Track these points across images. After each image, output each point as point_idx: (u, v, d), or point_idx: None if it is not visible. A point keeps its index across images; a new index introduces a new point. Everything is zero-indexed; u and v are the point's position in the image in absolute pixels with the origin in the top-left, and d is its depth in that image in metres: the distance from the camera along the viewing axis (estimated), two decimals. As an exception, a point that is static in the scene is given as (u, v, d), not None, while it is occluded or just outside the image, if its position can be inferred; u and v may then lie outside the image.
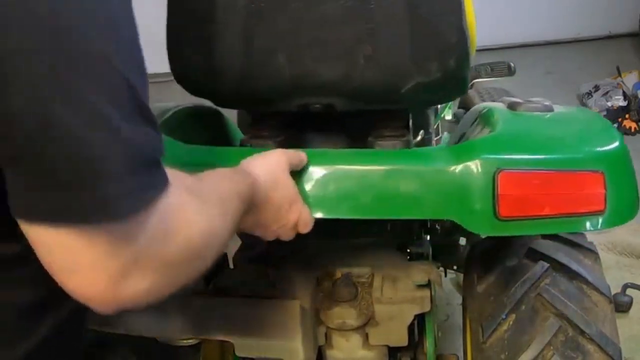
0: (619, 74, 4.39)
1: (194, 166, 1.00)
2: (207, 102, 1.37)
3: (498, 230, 1.03)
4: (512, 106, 1.23)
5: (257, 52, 1.10)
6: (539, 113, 1.21)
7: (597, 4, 5.11)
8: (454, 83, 1.17)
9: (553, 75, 4.77)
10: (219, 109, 1.49)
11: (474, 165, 1.03)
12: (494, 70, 2.09)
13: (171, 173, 0.65)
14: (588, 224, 1.03)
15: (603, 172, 1.01)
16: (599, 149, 1.08)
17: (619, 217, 1.04)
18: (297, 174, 1.05)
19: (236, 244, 1.56)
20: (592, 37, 5.20)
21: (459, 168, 1.03)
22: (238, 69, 1.12)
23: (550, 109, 1.22)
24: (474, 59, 1.33)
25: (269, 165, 0.98)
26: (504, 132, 1.14)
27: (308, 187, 1.06)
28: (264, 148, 1.13)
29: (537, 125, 1.19)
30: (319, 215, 1.06)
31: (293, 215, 1.01)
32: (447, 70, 1.10)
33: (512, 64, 2.27)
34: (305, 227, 1.03)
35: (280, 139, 1.27)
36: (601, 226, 1.04)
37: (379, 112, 1.29)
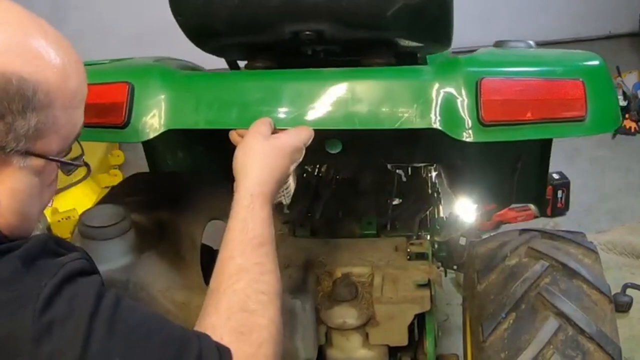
0: (619, 74, 4.39)
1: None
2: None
3: (482, 136, 1.05)
4: (497, 44, 1.30)
5: None
6: (523, 48, 1.28)
7: (597, 4, 5.10)
8: (437, 14, 1.17)
9: (553, 75, 4.77)
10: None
11: (459, 76, 1.07)
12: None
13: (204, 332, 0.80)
14: (570, 130, 1.06)
15: (583, 80, 1.05)
16: (578, 63, 1.13)
17: (600, 125, 1.06)
18: (292, 91, 1.09)
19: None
20: (592, 37, 5.20)
21: (444, 79, 1.07)
22: None
23: (533, 47, 1.29)
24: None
25: (251, 161, 0.99)
26: (488, 52, 1.20)
27: (303, 101, 1.09)
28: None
29: (519, 51, 1.26)
30: (314, 126, 1.08)
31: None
32: None
33: (512, 64, 2.28)
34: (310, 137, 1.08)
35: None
36: (583, 132, 1.06)
37: (370, 46, 1.29)
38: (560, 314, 1.11)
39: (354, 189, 1.83)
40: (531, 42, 1.30)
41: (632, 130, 3.98)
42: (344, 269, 1.36)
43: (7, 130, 0.72)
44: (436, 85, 1.07)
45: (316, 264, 1.38)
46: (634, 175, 3.42)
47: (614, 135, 3.89)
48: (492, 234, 1.46)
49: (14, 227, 0.77)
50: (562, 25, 5.17)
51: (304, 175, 1.92)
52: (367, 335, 1.32)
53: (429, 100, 1.06)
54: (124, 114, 1.12)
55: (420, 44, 1.33)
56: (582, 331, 1.09)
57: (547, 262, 1.20)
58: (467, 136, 1.05)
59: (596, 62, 1.13)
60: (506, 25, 5.15)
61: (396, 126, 1.08)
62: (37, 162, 0.77)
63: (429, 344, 1.38)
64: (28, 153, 0.75)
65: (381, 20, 1.14)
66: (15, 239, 0.76)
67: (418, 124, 1.07)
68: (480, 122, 1.03)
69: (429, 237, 1.77)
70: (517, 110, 1.04)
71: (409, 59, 1.35)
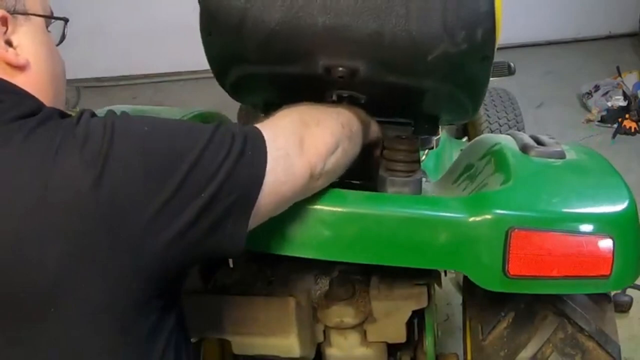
0: (619, 74, 4.38)
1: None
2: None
3: (506, 287, 1.02)
4: (524, 149, 1.21)
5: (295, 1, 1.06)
6: (551, 160, 1.18)
7: (597, 4, 5.10)
8: (475, 71, 1.15)
9: (553, 75, 4.76)
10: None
11: (488, 220, 1.01)
12: (494, 70, 2.08)
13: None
14: (593, 287, 1.04)
15: (613, 237, 1.00)
16: (611, 210, 1.06)
17: (621, 281, 1.03)
18: (311, 212, 1.05)
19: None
20: (592, 37, 5.19)
21: (472, 220, 1.02)
22: (274, 19, 1.07)
23: (562, 155, 1.19)
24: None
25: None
26: (518, 184, 1.10)
27: (322, 227, 1.05)
28: None
29: (550, 177, 1.16)
30: (330, 257, 1.06)
31: None
32: (473, 41, 1.06)
33: (512, 64, 2.27)
34: None
35: None
36: (603, 289, 1.05)
37: (396, 100, 1.27)
38: (560, 313, 1.10)
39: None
40: (559, 149, 1.20)
41: (632, 130, 3.98)
42: (340, 267, 1.36)
43: None
44: (464, 226, 1.02)
45: (314, 262, 1.38)
46: (634, 175, 3.41)
47: (614, 135, 3.89)
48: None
49: (49, 92, 0.89)
50: (562, 25, 5.17)
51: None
52: (365, 333, 1.32)
53: (454, 242, 1.02)
54: None
55: (448, 105, 1.32)
56: (581, 329, 1.08)
57: (547, 260, 1.19)
58: (490, 285, 1.03)
59: (627, 207, 1.05)
60: (506, 25, 5.13)
61: (419, 265, 1.06)
62: (37, 20, 0.88)
63: (428, 342, 1.38)
64: (27, 13, 0.87)
65: (420, 64, 1.10)
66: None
67: (441, 265, 1.07)
68: (505, 274, 1.00)
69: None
70: (544, 266, 1.00)
71: (429, 124, 1.39)
